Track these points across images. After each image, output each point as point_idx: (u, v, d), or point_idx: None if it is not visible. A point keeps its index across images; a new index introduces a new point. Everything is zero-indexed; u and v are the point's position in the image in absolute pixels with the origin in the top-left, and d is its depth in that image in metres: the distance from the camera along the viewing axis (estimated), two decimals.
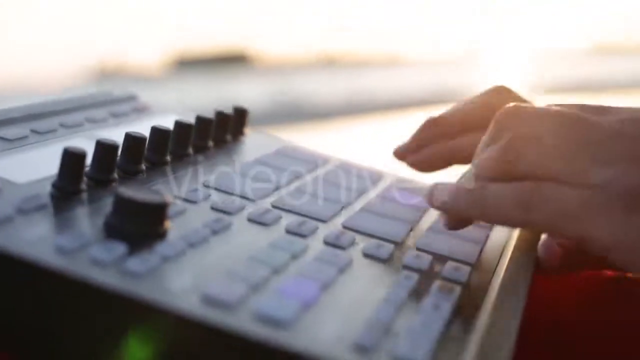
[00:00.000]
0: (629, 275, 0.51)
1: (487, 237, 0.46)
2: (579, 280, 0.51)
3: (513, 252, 0.44)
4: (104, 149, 0.39)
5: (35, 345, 0.32)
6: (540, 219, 0.39)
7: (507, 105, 0.43)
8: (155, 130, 0.44)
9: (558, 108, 0.42)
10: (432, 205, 0.42)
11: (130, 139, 0.41)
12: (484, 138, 0.43)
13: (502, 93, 0.51)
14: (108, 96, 0.53)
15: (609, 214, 0.38)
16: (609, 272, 0.51)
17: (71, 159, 0.37)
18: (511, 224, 0.42)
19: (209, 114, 0.49)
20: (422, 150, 0.52)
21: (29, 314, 0.32)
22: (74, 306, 0.31)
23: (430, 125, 0.52)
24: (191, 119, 0.48)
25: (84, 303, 0.31)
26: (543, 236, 0.47)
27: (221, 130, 0.51)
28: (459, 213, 0.42)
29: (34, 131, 0.44)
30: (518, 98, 0.50)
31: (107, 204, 0.37)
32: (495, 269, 0.42)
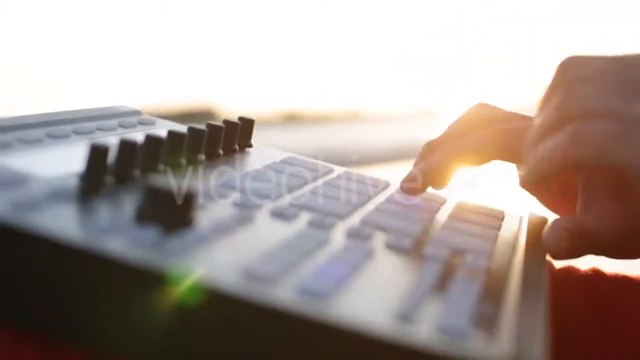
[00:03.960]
0: (627, 275, 0.52)
1: (497, 234, 0.47)
2: (579, 280, 0.52)
3: (527, 242, 0.45)
4: (126, 145, 0.40)
5: (63, 324, 0.32)
6: (588, 156, 0.41)
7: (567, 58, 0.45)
8: (171, 134, 0.44)
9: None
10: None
11: (150, 139, 0.42)
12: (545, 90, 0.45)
13: (485, 108, 0.52)
14: (117, 110, 0.54)
15: None
16: (607, 272, 0.52)
17: (97, 153, 0.38)
18: (560, 168, 0.44)
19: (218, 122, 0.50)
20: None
21: (59, 294, 0.32)
22: (111, 286, 0.31)
23: (428, 149, 0.53)
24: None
25: (122, 282, 0.31)
26: (549, 222, 0.48)
27: (230, 139, 0.51)
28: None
29: (49, 135, 0.44)
30: (500, 111, 0.52)
31: (132, 198, 0.37)
32: (512, 258, 0.43)
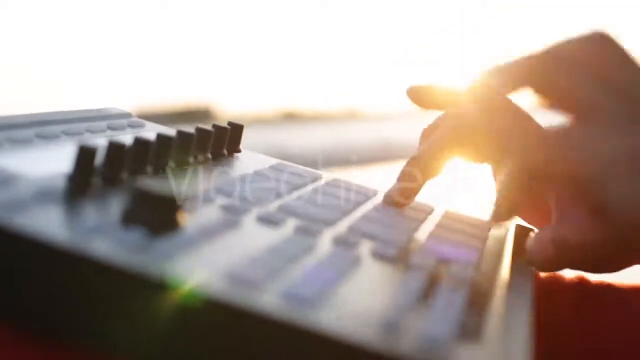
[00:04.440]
0: (612, 283, 0.52)
1: (484, 245, 0.47)
2: (564, 289, 0.52)
3: (513, 252, 0.46)
4: (114, 147, 0.40)
5: (48, 324, 0.32)
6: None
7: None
8: (159, 137, 0.44)
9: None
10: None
11: (138, 141, 0.42)
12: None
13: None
14: (106, 112, 0.54)
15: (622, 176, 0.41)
16: (592, 281, 0.53)
17: (85, 154, 0.38)
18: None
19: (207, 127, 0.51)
20: None
21: (45, 295, 0.32)
22: (96, 287, 0.31)
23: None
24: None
25: (107, 283, 0.31)
26: (532, 234, 0.48)
27: (218, 144, 0.51)
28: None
29: (38, 136, 0.44)
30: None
31: (119, 200, 0.37)
32: (497, 268, 0.43)
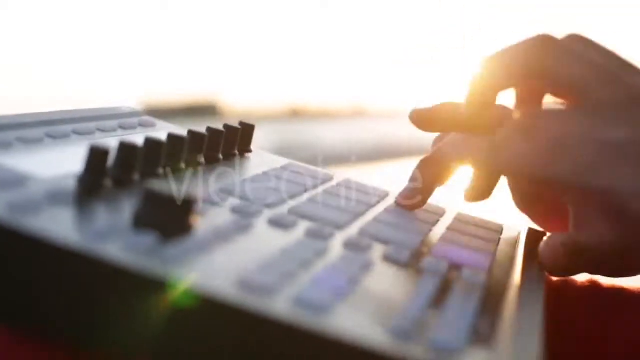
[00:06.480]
0: (624, 287, 0.52)
1: (496, 248, 0.47)
2: (576, 292, 0.52)
3: (525, 256, 0.45)
4: (126, 148, 0.39)
5: (58, 327, 0.32)
6: (562, 172, 0.41)
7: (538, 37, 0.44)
8: (171, 137, 0.44)
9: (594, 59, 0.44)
10: (441, 155, 0.46)
11: (150, 142, 0.42)
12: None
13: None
14: (117, 111, 0.54)
15: (629, 167, 0.40)
16: (604, 284, 0.52)
17: (97, 155, 0.38)
18: (529, 176, 0.43)
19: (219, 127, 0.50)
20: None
21: (55, 297, 0.32)
22: (106, 290, 0.31)
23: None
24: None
25: (117, 287, 0.31)
26: (545, 238, 0.48)
27: (230, 144, 0.51)
28: (474, 164, 0.46)
29: (48, 135, 0.44)
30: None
31: (130, 202, 0.37)
32: (510, 273, 0.43)
